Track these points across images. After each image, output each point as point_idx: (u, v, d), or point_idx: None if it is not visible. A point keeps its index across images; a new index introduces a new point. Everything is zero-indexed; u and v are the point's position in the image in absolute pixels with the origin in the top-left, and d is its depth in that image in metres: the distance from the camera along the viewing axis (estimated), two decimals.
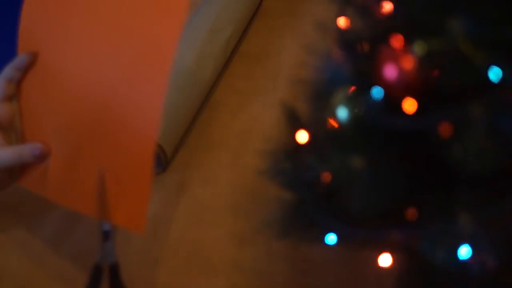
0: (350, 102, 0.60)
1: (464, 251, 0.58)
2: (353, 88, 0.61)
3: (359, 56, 0.59)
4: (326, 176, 0.62)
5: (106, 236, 0.74)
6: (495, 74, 0.54)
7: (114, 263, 0.74)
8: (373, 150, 0.60)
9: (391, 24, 0.58)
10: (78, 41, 0.76)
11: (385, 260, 0.65)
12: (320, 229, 0.65)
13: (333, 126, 0.62)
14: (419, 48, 0.55)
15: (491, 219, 0.58)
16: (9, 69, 0.79)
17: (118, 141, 0.73)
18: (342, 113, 0.60)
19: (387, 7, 0.58)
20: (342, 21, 0.61)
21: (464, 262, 0.58)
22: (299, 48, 1.03)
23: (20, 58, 0.79)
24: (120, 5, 0.73)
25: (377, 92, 0.57)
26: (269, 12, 1.08)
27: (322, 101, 0.63)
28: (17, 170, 0.80)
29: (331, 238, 0.65)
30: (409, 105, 0.55)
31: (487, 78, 0.54)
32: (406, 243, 0.63)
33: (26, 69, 0.79)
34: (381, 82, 0.57)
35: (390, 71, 0.56)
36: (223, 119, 0.97)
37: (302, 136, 0.63)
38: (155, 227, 0.87)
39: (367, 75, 0.58)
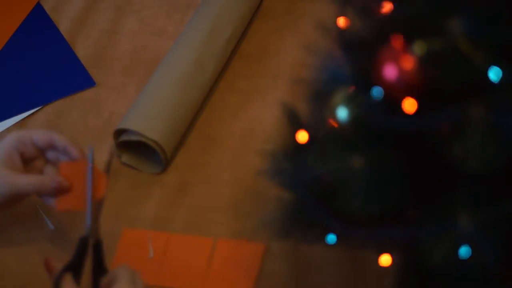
0: (350, 102, 0.60)
1: (464, 251, 0.58)
2: (353, 88, 0.61)
3: (359, 56, 0.59)
4: (326, 176, 0.62)
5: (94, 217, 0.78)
6: (495, 74, 0.54)
7: (98, 241, 0.76)
8: (373, 150, 0.60)
9: (391, 24, 0.58)
10: None
11: (385, 260, 0.65)
12: (320, 229, 0.65)
13: (333, 126, 0.62)
14: (419, 48, 0.55)
15: (491, 219, 0.58)
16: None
17: None
18: (342, 113, 0.60)
19: (387, 7, 0.58)
20: (342, 21, 0.61)
21: (464, 262, 0.58)
22: (299, 48, 1.02)
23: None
24: None
25: (377, 92, 0.57)
26: (269, 12, 1.08)
27: (322, 101, 0.63)
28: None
29: (331, 238, 0.65)
30: (409, 105, 0.55)
31: (487, 78, 0.54)
32: (406, 243, 0.63)
33: None
34: (381, 82, 0.57)
35: (390, 71, 0.56)
36: (223, 119, 0.97)
37: (302, 136, 0.63)
38: (155, 226, 0.87)
39: (367, 75, 0.58)
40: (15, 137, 0.82)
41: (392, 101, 0.57)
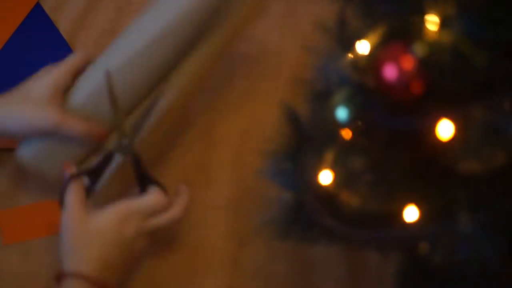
0: (350, 102, 0.60)
1: (464, 251, 0.58)
2: (353, 88, 0.61)
3: (359, 56, 0.59)
4: (327, 176, 0.62)
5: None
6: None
7: (135, 156, 0.80)
8: (373, 150, 0.60)
9: (392, 24, 0.58)
10: None
11: (385, 258, 0.65)
12: (320, 229, 0.65)
13: (333, 126, 0.62)
14: (419, 48, 0.55)
15: (491, 219, 0.58)
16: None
17: None
18: (342, 113, 0.60)
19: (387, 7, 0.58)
20: (342, 22, 0.61)
21: (464, 262, 0.58)
22: (299, 48, 1.03)
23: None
24: None
25: (377, 92, 0.57)
26: (269, 12, 1.08)
27: (322, 101, 0.63)
28: None
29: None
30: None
31: (487, 78, 0.54)
32: (406, 243, 0.63)
33: None
34: (381, 82, 0.57)
35: (390, 71, 0.56)
36: (223, 119, 0.97)
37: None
38: None
39: (367, 75, 0.58)
40: (56, 74, 0.83)
41: (392, 101, 0.57)
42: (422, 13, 0.55)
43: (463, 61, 0.54)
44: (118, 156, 0.81)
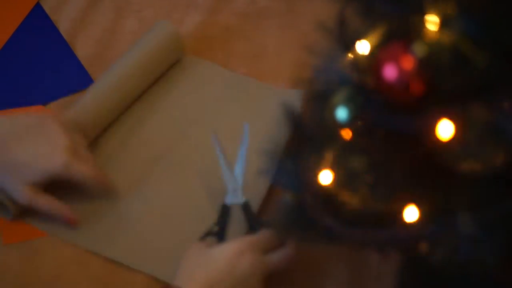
0: (350, 102, 0.60)
1: (464, 251, 0.58)
2: (353, 88, 0.61)
3: (359, 56, 0.59)
4: (327, 176, 0.62)
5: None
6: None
7: (244, 202, 0.85)
8: (373, 150, 0.60)
9: (392, 24, 0.58)
10: None
11: (385, 258, 0.65)
12: (320, 229, 0.65)
13: (333, 126, 0.62)
14: (419, 48, 0.55)
15: (491, 219, 0.58)
16: None
17: None
18: (342, 113, 0.60)
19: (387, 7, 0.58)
20: (342, 22, 0.61)
21: (464, 262, 0.58)
22: (299, 48, 1.02)
23: None
24: None
25: (377, 92, 0.57)
26: (269, 12, 1.08)
27: (322, 101, 0.63)
28: None
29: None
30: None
31: (487, 78, 0.54)
32: (405, 243, 0.63)
33: None
34: (381, 82, 0.57)
35: (390, 71, 0.56)
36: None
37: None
38: None
39: (367, 75, 0.58)
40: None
41: (392, 101, 0.57)
42: (422, 13, 0.55)
43: (463, 61, 0.54)
44: (232, 208, 0.85)
